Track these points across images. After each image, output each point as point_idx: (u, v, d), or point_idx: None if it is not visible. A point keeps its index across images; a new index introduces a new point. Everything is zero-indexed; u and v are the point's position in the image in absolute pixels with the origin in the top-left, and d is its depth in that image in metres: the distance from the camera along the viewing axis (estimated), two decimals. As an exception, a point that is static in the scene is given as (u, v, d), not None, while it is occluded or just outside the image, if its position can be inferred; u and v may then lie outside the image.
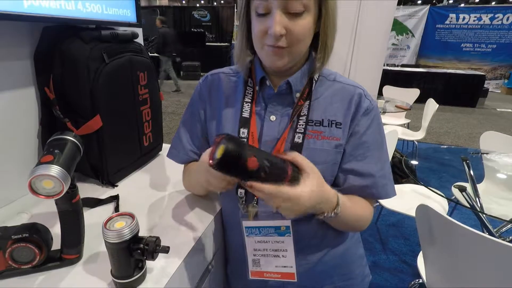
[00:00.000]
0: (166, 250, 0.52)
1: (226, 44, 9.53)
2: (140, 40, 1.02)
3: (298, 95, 0.63)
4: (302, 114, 0.61)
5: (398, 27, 8.61)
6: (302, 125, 0.61)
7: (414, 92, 3.73)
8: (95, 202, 0.77)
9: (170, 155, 0.77)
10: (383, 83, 3.50)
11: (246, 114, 0.63)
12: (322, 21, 0.56)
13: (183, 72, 8.60)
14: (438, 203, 1.70)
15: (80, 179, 0.89)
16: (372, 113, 0.62)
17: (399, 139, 2.67)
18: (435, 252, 1.00)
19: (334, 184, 0.65)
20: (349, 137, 0.62)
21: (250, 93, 0.65)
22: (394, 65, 8.20)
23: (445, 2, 9.61)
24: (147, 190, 0.86)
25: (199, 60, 8.79)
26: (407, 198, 1.78)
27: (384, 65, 4.68)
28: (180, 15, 10.38)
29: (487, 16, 7.97)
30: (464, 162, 1.64)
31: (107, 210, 0.76)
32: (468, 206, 1.38)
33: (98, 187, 0.87)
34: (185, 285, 0.62)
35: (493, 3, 9.14)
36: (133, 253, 0.50)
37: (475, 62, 8.41)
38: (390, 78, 6.11)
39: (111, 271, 0.52)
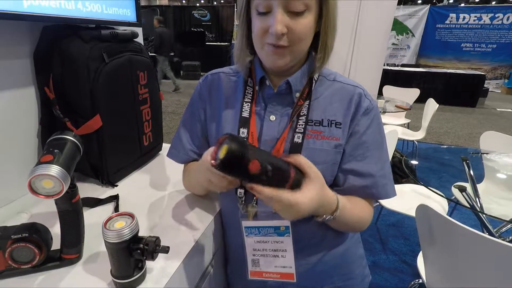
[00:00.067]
0: (166, 250, 0.52)
1: (226, 43, 9.52)
2: (140, 39, 1.02)
3: (297, 95, 0.62)
4: (301, 114, 0.61)
5: (398, 26, 8.60)
6: (302, 125, 0.61)
7: (414, 92, 3.73)
8: (95, 202, 0.76)
9: (170, 154, 0.77)
10: (383, 83, 3.50)
11: (246, 114, 0.63)
12: (323, 21, 0.56)
13: (183, 72, 8.60)
14: (438, 203, 1.70)
15: (80, 178, 0.89)
16: (372, 113, 0.62)
17: (399, 139, 2.67)
18: (435, 252, 1.00)
19: (334, 184, 0.65)
20: (348, 137, 0.62)
21: (250, 93, 0.65)
22: (394, 65, 8.20)
23: (445, 2, 9.60)
24: (147, 190, 0.86)
25: (199, 59, 8.79)
26: (407, 198, 1.78)
27: (384, 65, 4.68)
28: (180, 15, 10.37)
29: (487, 16, 7.96)
30: (464, 162, 1.64)
31: (107, 210, 0.76)
32: (468, 206, 1.38)
33: (98, 186, 0.87)
34: (185, 285, 0.62)
35: (493, 2, 9.13)
36: (133, 253, 0.50)
37: (475, 62, 8.41)
38: (390, 78, 6.12)
39: (111, 271, 0.52)
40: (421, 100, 3.68)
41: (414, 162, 1.89)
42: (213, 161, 0.43)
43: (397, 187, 0.82)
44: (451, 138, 4.52)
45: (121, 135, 0.89)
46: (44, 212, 0.72)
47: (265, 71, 0.64)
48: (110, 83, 0.81)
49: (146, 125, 0.99)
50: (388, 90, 3.92)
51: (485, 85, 6.85)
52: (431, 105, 3.10)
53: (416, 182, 1.56)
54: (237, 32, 0.64)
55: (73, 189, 0.52)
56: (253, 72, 0.65)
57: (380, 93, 3.62)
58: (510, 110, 6.49)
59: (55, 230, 0.56)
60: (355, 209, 0.62)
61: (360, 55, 3.03)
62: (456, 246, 0.88)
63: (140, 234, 0.51)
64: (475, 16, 8.06)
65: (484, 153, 1.85)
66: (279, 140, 0.61)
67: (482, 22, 8.05)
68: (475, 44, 8.31)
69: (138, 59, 0.91)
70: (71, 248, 0.56)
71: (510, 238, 1.80)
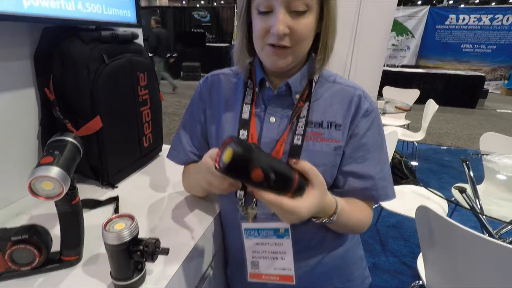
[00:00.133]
0: (165, 252, 0.52)
1: (226, 44, 9.52)
2: (140, 40, 1.02)
3: (297, 96, 0.62)
4: (301, 115, 0.61)
5: (398, 27, 8.61)
6: (302, 126, 0.61)
7: (414, 93, 3.73)
8: (94, 204, 0.76)
9: (170, 156, 0.77)
10: (383, 83, 3.51)
11: (245, 116, 0.63)
12: (324, 22, 0.56)
13: (183, 73, 8.59)
14: (438, 205, 1.70)
15: (79, 180, 0.89)
16: (372, 115, 0.62)
17: (399, 140, 2.67)
18: (435, 254, 1.00)
19: (333, 185, 0.65)
20: (348, 139, 0.62)
21: (250, 95, 0.65)
22: (394, 66, 8.21)
23: (445, 3, 9.62)
24: (147, 191, 0.86)
25: (199, 60, 8.78)
26: (407, 199, 1.78)
27: (384, 66, 4.68)
28: (180, 16, 10.38)
29: (487, 17, 7.97)
30: (464, 163, 1.64)
31: (106, 211, 0.75)
32: (468, 207, 1.38)
33: (98, 188, 0.86)
34: (185, 287, 0.62)
35: (493, 4, 9.14)
36: (133, 255, 0.49)
37: (475, 63, 8.41)
38: (390, 78, 6.11)
39: (110, 272, 0.51)
40: (421, 101, 3.68)
41: (414, 163, 1.89)
42: (217, 164, 0.43)
43: (397, 188, 0.82)
44: (451, 139, 4.52)
45: (121, 136, 0.89)
46: (44, 213, 0.72)
47: (265, 73, 0.64)
48: (110, 84, 0.81)
49: (146, 126, 0.99)
50: (388, 91, 3.92)
51: (485, 86, 6.85)
52: (431, 106, 3.10)
53: (416, 183, 1.57)
54: (237, 33, 0.64)
55: (73, 190, 0.52)
56: (253, 73, 0.65)
57: (380, 94, 3.62)
58: (510, 111, 6.49)
59: (55, 231, 0.56)
60: (354, 212, 0.62)
61: (360, 55, 3.04)
62: (456, 248, 0.87)
63: (140, 236, 0.51)
64: (475, 17, 8.07)
65: (484, 154, 1.85)
66: (279, 141, 0.61)
67: (481, 23, 8.05)
68: (475, 45, 8.31)
69: (138, 60, 0.91)
70: (71, 249, 0.56)
71: (510, 239, 1.80)
